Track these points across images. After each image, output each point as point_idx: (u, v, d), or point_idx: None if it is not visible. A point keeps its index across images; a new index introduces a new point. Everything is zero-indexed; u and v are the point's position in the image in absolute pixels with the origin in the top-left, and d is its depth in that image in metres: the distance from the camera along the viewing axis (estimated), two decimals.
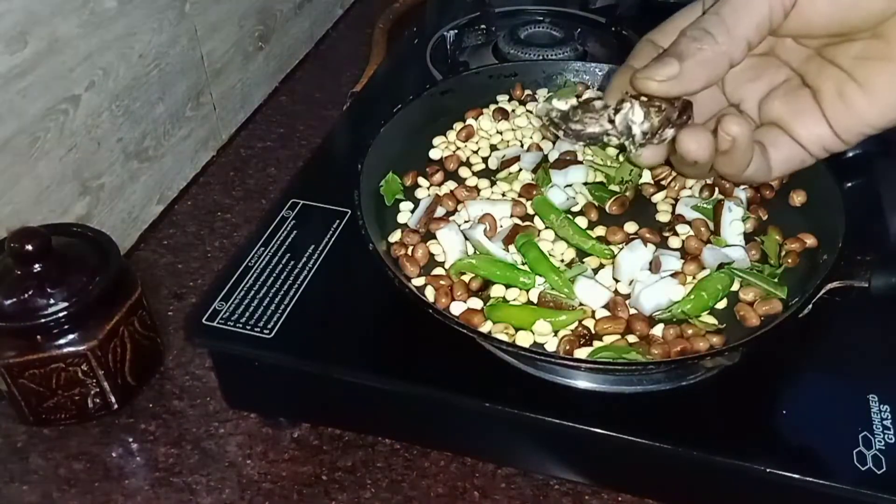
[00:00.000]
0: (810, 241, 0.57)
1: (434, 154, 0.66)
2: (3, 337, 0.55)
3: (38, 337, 0.55)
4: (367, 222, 0.55)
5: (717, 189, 0.61)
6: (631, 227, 0.59)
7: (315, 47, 1.06)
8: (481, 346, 0.52)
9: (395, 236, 0.58)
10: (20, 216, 0.62)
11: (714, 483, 0.51)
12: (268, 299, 0.56)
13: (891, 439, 0.48)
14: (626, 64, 0.48)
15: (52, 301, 0.55)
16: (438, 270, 0.56)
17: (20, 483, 0.57)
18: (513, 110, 0.70)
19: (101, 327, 0.56)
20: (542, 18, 0.92)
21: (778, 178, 0.45)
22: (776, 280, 0.55)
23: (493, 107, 0.70)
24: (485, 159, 0.66)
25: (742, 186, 0.61)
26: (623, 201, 0.60)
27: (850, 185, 0.66)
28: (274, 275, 0.58)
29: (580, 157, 0.64)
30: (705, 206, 0.59)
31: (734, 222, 0.58)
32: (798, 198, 0.61)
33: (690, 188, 0.62)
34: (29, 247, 0.54)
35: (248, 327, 0.54)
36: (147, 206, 0.77)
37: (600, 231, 0.58)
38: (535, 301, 0.54)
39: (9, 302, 0.55)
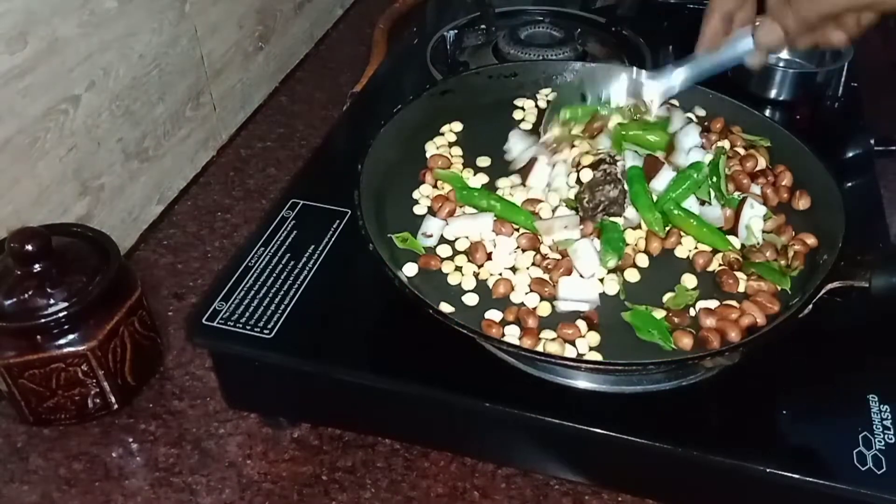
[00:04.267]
0: (810, 241, 0.57)
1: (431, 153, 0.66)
2: (3, 337, 0.55)
3: (38, 337, 0.55)
4: (367, 222, 0.55)
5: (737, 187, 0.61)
6: None
7: (315, 47, 1.06)
8: (481, 346, 0.52)
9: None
10: (20, 216, 0.62)
11: (714, 483, 0.51)
12: (268, 299, 0.56)
13: (891, 439, 0.48)
14: None
15: (52, 301, 0.55)
16: None
17: (20, 483, 0.57)
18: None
19: (101, 327, 0.56)
20: (542, 18, 0.92)
21: None
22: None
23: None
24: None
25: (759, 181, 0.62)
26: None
27: (850, 185, 0.66)
28: (274, 275, 0.58)
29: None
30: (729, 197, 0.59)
31: (754, 219, 0.58)
32: (802, 202, 0.61)
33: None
34: (29, 247, 0.54)
35: (248, 327, 0.54)
36: (147, 206, 0.77)
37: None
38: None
39: (9, 302, 0.55)
